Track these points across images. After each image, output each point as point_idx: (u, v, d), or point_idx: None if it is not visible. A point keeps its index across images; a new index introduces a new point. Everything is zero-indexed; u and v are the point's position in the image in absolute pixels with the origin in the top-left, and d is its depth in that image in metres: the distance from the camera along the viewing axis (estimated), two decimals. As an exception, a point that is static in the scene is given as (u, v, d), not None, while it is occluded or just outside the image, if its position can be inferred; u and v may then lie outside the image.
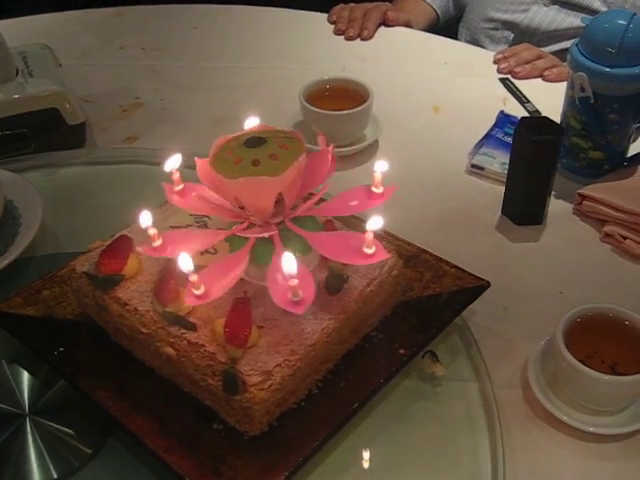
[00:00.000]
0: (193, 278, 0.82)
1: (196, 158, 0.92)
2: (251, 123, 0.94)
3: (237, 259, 0.86)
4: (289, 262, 0.81)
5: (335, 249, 0.87)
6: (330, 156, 0.91)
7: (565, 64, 1.51)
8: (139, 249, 0.90)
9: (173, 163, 0.93)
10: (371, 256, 0.85)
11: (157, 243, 0.88)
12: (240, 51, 1.68)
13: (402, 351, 0.93)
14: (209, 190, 0.92)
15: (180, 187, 0.93)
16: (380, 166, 0.89)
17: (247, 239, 0.86)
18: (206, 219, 0.99)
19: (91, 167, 1.36)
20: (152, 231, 0.88)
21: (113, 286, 0.92)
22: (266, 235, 0.87)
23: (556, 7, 1.74)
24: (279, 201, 0.86)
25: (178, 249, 0.86)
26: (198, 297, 0.83)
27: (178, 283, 0.88)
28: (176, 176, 0.93)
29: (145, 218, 0.88)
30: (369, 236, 0.84)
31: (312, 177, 0.90)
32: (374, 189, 0.89)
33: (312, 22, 1.79)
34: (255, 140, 0.85)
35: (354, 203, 0.90)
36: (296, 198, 0.90)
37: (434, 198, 1.26)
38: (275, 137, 0.86)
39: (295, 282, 0.81)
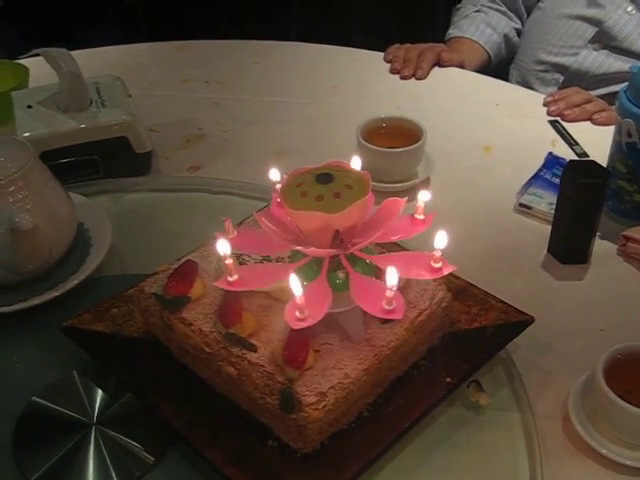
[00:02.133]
0: (299, 300, 0.87)
1: (255, 213, 0.98)
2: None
3: (319, 285, 0.91)
4: (392, 274, 0.86)
5: (403, 268, 0.91)
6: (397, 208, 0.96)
7: (614, 108, 1.55)
8: (215, 284, 0.94)
9: (223, 249, 0.94)
10: (439, 270, 0.91)
11: (233, 278, 0.92)
12: (299, 86, 1.74)
13: (448, 379, 0.98)
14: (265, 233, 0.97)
15: (234, 235, 0.98)
16: (423, 196, 0.95)
17: (318, 268, 0.91)
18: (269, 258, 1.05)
19: (155, 194, 1.42)
20: (229, 263, 0.92)
21: (180, 307, 0.98)
22: (335, 259, 0.92)
23: (606, 51, 1.78)
24: (336, 237, 0.91)
25: (253, 283, 0.92)
26: (302, 320, 0.87)
27: (241, 307, 0.94)
28: (229, 262, 0.93)
29: (222, 248, 0.92)
30: (438, 253, 0.90)
31: (380, 223, 0.95)
32: (417, 216, 0.95)
33: (369, 60, 1.84)
34: (324, 176, 0.90)
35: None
36: (355, 235, 0.94)
37: (482, 235, 1.30)
38: (343, 176, 0.91)
39: (392, 293, 0.86)
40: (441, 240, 0.90)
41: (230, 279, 0.93)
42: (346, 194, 0.89)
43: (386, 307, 0.88)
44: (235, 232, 0.97)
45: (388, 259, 0.95)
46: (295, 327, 0.87)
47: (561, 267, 1.23)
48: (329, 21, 2.70)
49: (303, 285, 0.89)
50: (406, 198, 0.96)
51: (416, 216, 0.96)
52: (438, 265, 0.91)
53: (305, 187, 0.90)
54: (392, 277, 0.87)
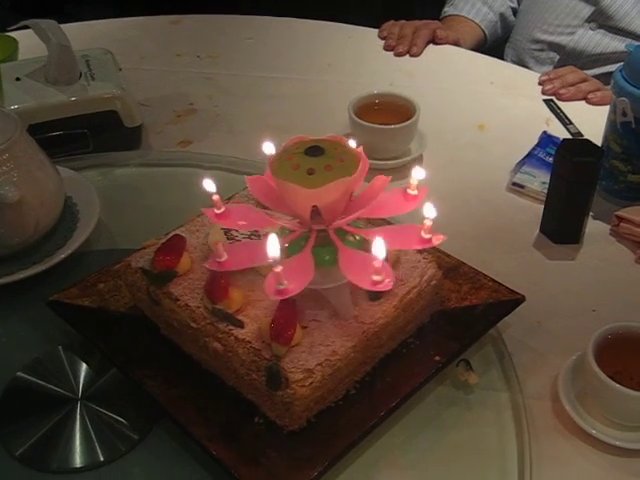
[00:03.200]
0: (278, 270, 0.84)
1: (247, 177, 0.96)
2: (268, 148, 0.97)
3: (304, 258, 0.89)
4: (380, 245, 0.85)
5: (393, 239, 0.90)
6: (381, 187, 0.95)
7: (609, 88, 1.54)
8: (205, 266, 0.93)
9: (210, 187, 0.95)
10: (429, 240, 0.90)
11: (223, 258, 0.91)
12: (292, 63, 1.73)
13: (437, 358, 0.97)
14: (253, 208, 0.97)
15: (221, 210, 0.95)
16: (417, 173, 0.93)
17: (304, 244, 0.90)
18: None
19: (145, 169, 1.41)
20: (220, 246, 0.90)
21: (166, 282, 0.97)
22: (323, 233, 0.91)
23: (602, 31, 1.77)
24: (314, 212, 0.89)
25: (242, 261, 0.91)
26: (281, 292, 0.85)
27: (228, 282, 0.93)
28: (216, 198, 0.95)
29: (213, 232, 0.93)
30: (428, 223, 0.89)
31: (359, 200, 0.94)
32: (409, 191, 0.93)
33: (363, 37, 1.83)
34: (314, 150, 0.89)
35: (392, 205, 0.94)
36: (340, 214, 0.92)
37: (474, 213, 1.29)
38: (334, 152, 0.89)
39: (379, 264, 0.85)
40: (430, 210, 0.89)
41: (219, 260, 0.92)
42: (329, 171, 0.86)
43: (375, 278, 0.86)
44: (223, 208, 0.95)
45: (377, 232, 0.93)
46: (273, 298, 0.86)
47: (553, 247, 1.23)
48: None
49: (286, 258, 0.88)
50: (390, 177, 0.95)
51: (409, 191, 0.93)
52: (428, 236, 0.90)
53: (294, 159, 0.88)
54: (379, 248, 0.85)
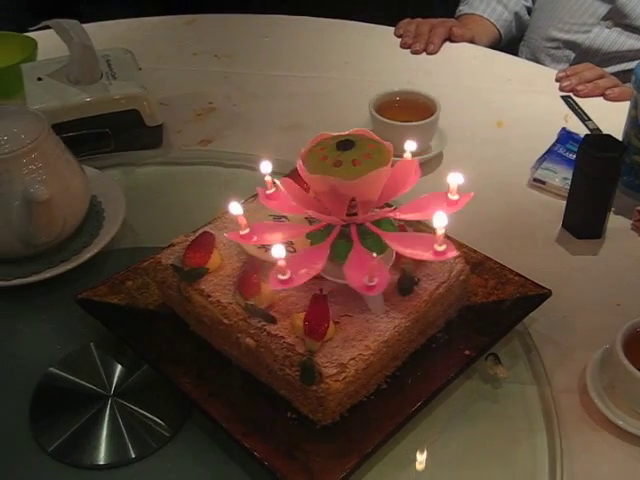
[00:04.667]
0: (281, 262, 0.87)
1: (276, 180, 0.99)
2: (265, 167, 1.01)
3: (318, 251, 0.91)
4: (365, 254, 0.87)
5: (409, 247, 0.92)
6: (414, 168, 0.96)
7: (626, 85, 1.55)
8: (226, 235, 0.96)
9: (266, 167, 0.99)
10: (443, 253, 0.90)
11: (245, 231, 0.93)
12: (309, 61, 1.74)
13: (467, 352, 0.98)
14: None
15: (272, 190, 0.99)
16: (454, 178, 0.93)
17: (327, 235, 0.91)
18: (284, 219, 1.04)
19: (167, 167, 1.42)
20: (242, 220, 0.93)
21: (197, 279, 0.98)
22: (343, 223, 0.92)
23: (618, 29, 1.77)
24: (352, 205, 0.91)
25: (263, 239, 0.92)
26: (282, 282, 0.88)
27: (260, 278, 0.93)
28: (268, 179, 0.99)
29: (235, 208, 0.94)
30: (440, 232, 0.89)
31: (395, 186, 0.95)
32: (450, 196, 0.94)
33: (379, 35, 1.84)
34: (346, 143, 0.90)
35: (431, 208, 0.94)
36: (375, 204, 0.94)
37: (496, 210, 1.29)
38: (365, 144, 0.91)
39: (373, 264, 0.86)
40: (440, 219, 0.89)
41: (242, 232, 0.94)
42: (365, 162, 0.88)
43: (366, 282, 0.88)
44: (273, 189, 0.98)
45: (396, 237, 0.95)
46: (274, 287, 0.89)
47: (576, 242, 1.23)
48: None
49: (302, 248, 0.91)
50: (418, 158, 0.96)
51: (449, 196, 0.94)
52: (442, 248, 0.90)
53: (325, 152, 0.89)
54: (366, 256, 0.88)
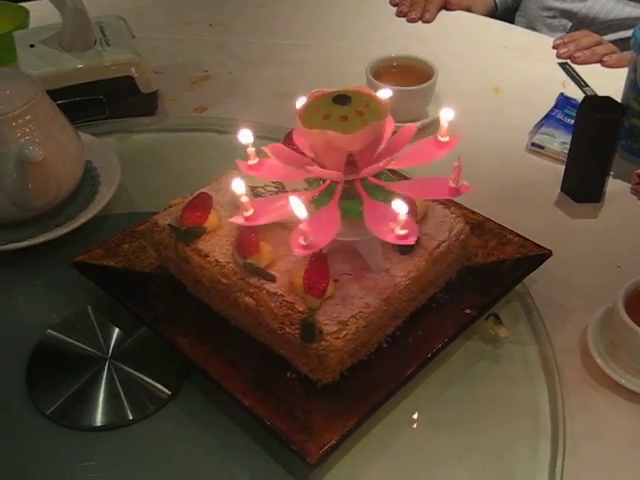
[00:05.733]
0: (303, 227, 0.84)
1: (263, 147, 0.96)
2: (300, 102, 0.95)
3: (329, 212, 0.88)
4: (401, 203, 0.84)
5: (420, 190, 0.91)
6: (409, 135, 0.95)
7: (625, 53, 1.54)
8: (230, 220, 0.93)
9: (246, 138, 0.96)
10: (456, 190, 0.89)
11: (249, 213, 0.91)
12: (305, 29, 1.73)
13: (468, 311, 0.97)
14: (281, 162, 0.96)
15: (255, 161, 0.96)
16: (446, 114, 0.91)
17: (330, 196, 0.90)
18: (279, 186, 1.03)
19: (162, 134, 1.41)
20: (244, 199, 0.90)
21: (195, 238, 0.97)
22: (349, 185, 0.90)
23: (615, -3, 1.76)
24: (350, 160, 0.89)
25: (270, 216, 0.91)
26: (305, 247, 0.84)
27: (258, 237, 0.92)
28: (251, 150, 0.96)
29: (238, 186, 0.91)
30: (445, 125, 0.90)
31: (392, 148, 0.93)
32: (440, 138, 0.92)
33: (375, 4, 1.83)
34: (342, 98, 0.88)
35: (424, 153, 0.93)
36: (372, 160, 0.93)
37: (495, 174, 1.29)
38: (361, 100, 0.89)
39: (404, 217, 0.84)
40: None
41: (246, 214, 0.92)
42: (361, 117, 0.87)
43: (399, 232, 0.85)
44: (257, 159, 0.95)
45: (403, 185, 0.93)
46: (297, 253, 0.85)
47: (575, 205, 1.22)
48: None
49: (312, 211, 0.87)
50: (417, 123, 0.94)
51: (439, 138, 0.92)
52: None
53: (321, 106, 0.88)
54: (402, 202, 0.84)
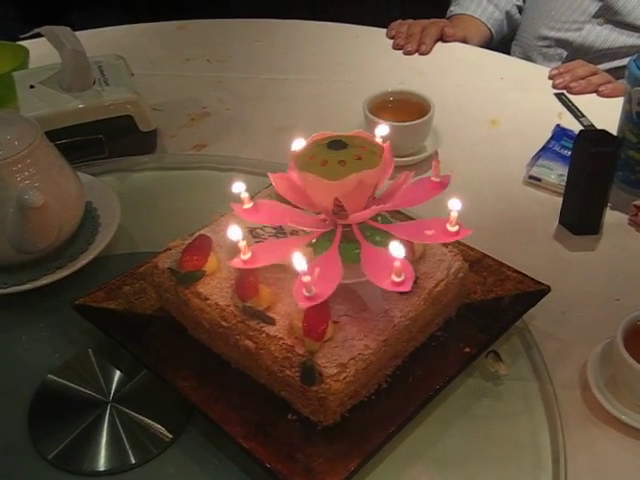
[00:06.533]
0: (306, 279, 0.85)
1: (270, 174, 0.97)
2: (298, 143, 0.95)
3: (330, 258, 0.89)
4: (397, 248, 0.85)
5: (419, 233, 0.91)
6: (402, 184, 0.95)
7: (619, 81, 1.55)
8: (229, 263, 0.94)
9: (239, 188, 0.97)
10: (456, 233, 0.90)
11: (247, 256, 0.92)
12: (302, 64, 1.74)
13: (467, 350, 0.97)
14: (279, 204, 0.97)
15: (249, 205, 0.97)
16: (455, 205, 0.90)
17: (331, 239, 0.90)
18: (280, 227, 1.03)
19: (162, 172, 1.42)
20: (242, 244, 0.91)
21: (194, 282, 0.97)
22: (347, 229, 0.91)
23: (610, 26, 1.77)
24: (337, 205, 0.90)
25: (268, 260, 0.91)
26: (310, 299, 0.85)
27: (257, 280, 0.93)
28: (245, 196, 0.97)
29: (234, 233, 0.92)
30: (454, 214, 0.89)
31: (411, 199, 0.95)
32: (449, 227, 0.91)
33: (371, 37, 1.84)
34: (337, 144, 0.89)
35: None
36: (363, 206, 0.92)
37: (493, 208, 1.29)
38: (357, 146, 0.90)
39: (398, 263, 0.84)
40: (456, 203, 0.89)
41: (244, 257, 0.92)
42: (352, 164, 0.87)
43: (395, 279, 0.86)
44: (252, 203, 0.96)
45: (402, 227, 0.94)
46: (304, 306, 0.86)
47: (573, 238, 1.23)
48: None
49: (314, 258, 0.88)
50: (413, 172, 0.96)
51: (448, 227, 0.91)
52: (454, 229, 0.90)
53: (315, 152, 0.89)
54: (397, 249, 0.85)
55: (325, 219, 0.95)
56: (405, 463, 0.92)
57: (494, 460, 0.92)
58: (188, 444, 0.94)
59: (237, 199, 0.97)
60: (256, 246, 0.95)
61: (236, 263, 0.93)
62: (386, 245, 0.90)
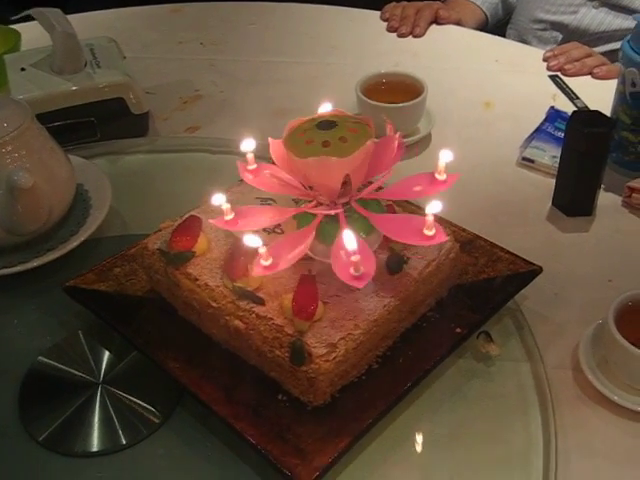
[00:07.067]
0: (262, 250, 0.87)
1: (270, 138, 0.97)
2: (324, 108, 0.98)
3: (304, 235, 0.91)
4: (350, 239, 0.86)
5: (397, 230, 0.91)
6: (397, 144, 0.95)
7: (615, 64, 1.54)
8: (211, 221, 0.95)
9: (248, 146, 0.98)
10: (431, 238, 0.89)
11: (229, 217, 0.93)
12: (296, 47, 1.73)
13: (458, 330, 0.97)
14: (280, 170, 0.97)
15: (253, 166, 0.99)
16: (444, 155, 0.91)
17: (314, 217, 0.91)
18: (271, 202, 1.03)
19: (154, 155, 1.41)
20: (225, 206, 0.92)
21: (184, 262, 0.97)
22: (332, 212, 0.91)
23: (605, 9, 1.77)
24: (346, 182, 0.91)
25: (248, 223, 0.92)
26: (266, 268, 0.88)
27: (247, 260, 0.92)
28: (250, 156, 0.98)
29: (218, 196, 0.94)
30: (429, 219, 0.88)
31: (378, 163, 0.94)
32: (437, 176, 0.92)
33: (366, 19, 1.84)
34: (326, 123, 0.89)
35: (418, 188, 0.93)
36: (362, 181, 0.94)
37: (486, 189, 1.29)
38: (345, 122, 0.90)
39: (357, 257, 0.85)
40: (435, 206, 0.88)
41: (227, 218, 0.93)
42: (352, 138, 0.88)
43: (353, 273, 0.87)
44: (255, 165, 0.98)
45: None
46: (257, 274, 0.90)
47: (566, 219, 1.22)
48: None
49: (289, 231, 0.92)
50: (398, 133, 0.95)
51: (437, 176, 0.92)
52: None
53: (309, 135, 0.89)
54: (350, 242, 0.86)
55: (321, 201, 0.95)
56: (395, 443, 0.91)
57: (485, 441, 0.92)
58: (178, 425, 0.94)
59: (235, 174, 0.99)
60: (241, 209, 0.95)
61: (217, 222, 0.94)
62: (365, 234, 0.90)
